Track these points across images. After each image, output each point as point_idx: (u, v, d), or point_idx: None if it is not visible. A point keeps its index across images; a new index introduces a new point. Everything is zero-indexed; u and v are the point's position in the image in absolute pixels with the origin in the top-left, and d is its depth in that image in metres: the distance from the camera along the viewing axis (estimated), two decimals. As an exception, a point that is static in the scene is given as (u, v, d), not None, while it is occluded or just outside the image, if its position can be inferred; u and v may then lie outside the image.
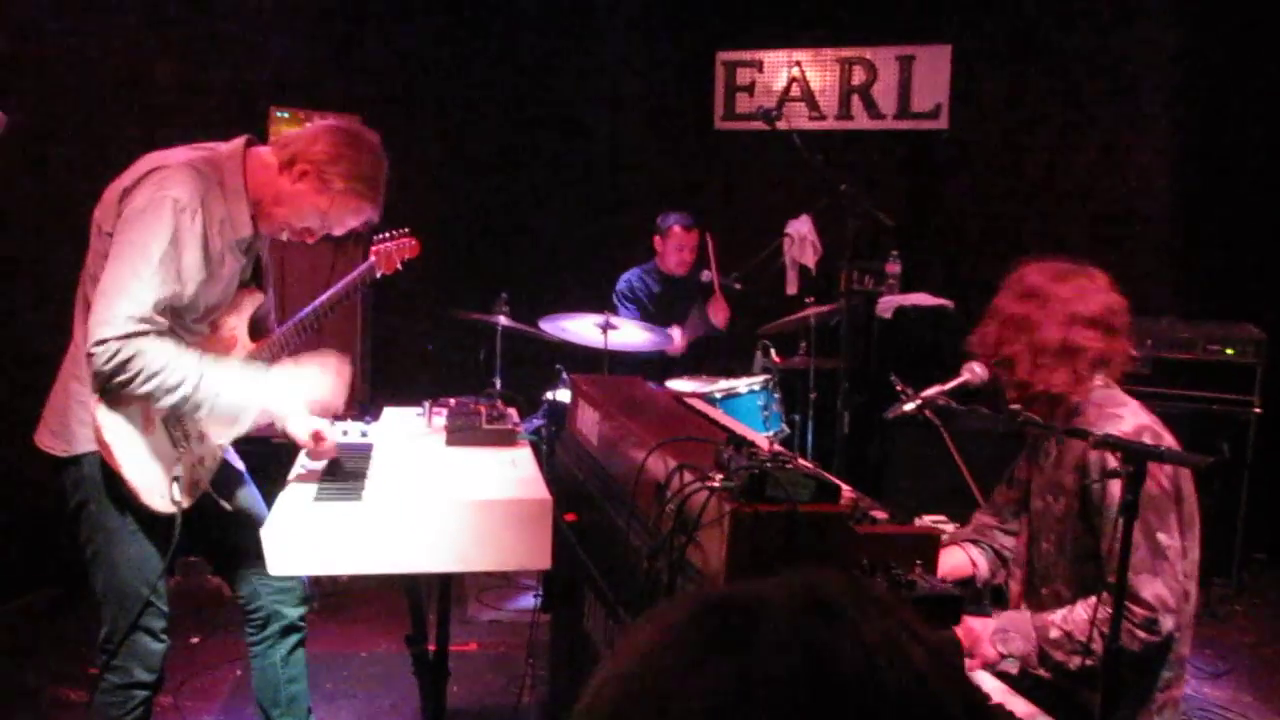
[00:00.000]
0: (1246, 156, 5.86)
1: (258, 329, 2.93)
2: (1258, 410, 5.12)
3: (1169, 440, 2.33)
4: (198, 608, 4.51)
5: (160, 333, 2.44)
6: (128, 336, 2.38)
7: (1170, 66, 6.12)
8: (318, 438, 2.78)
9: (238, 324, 2.82)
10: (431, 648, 2.93)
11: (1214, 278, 5.85)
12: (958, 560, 2.72)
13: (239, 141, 2.72)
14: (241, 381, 2.59)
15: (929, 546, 1.88)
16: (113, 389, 2.45)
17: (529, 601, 4.81)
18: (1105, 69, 6.25)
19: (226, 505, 2.78)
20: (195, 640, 4.39)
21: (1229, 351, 5.25)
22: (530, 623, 3.92)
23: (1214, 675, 4.31)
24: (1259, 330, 5.19)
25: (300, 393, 2.63)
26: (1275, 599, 5.23)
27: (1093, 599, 2.36)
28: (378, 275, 3.09)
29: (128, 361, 2.38)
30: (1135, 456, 1.88)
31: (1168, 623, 2.28)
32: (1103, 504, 2.32)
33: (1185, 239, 6.07)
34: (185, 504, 2.65)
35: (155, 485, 2.59)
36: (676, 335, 5.63)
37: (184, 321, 2.56)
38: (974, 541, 2.77)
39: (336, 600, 4.72)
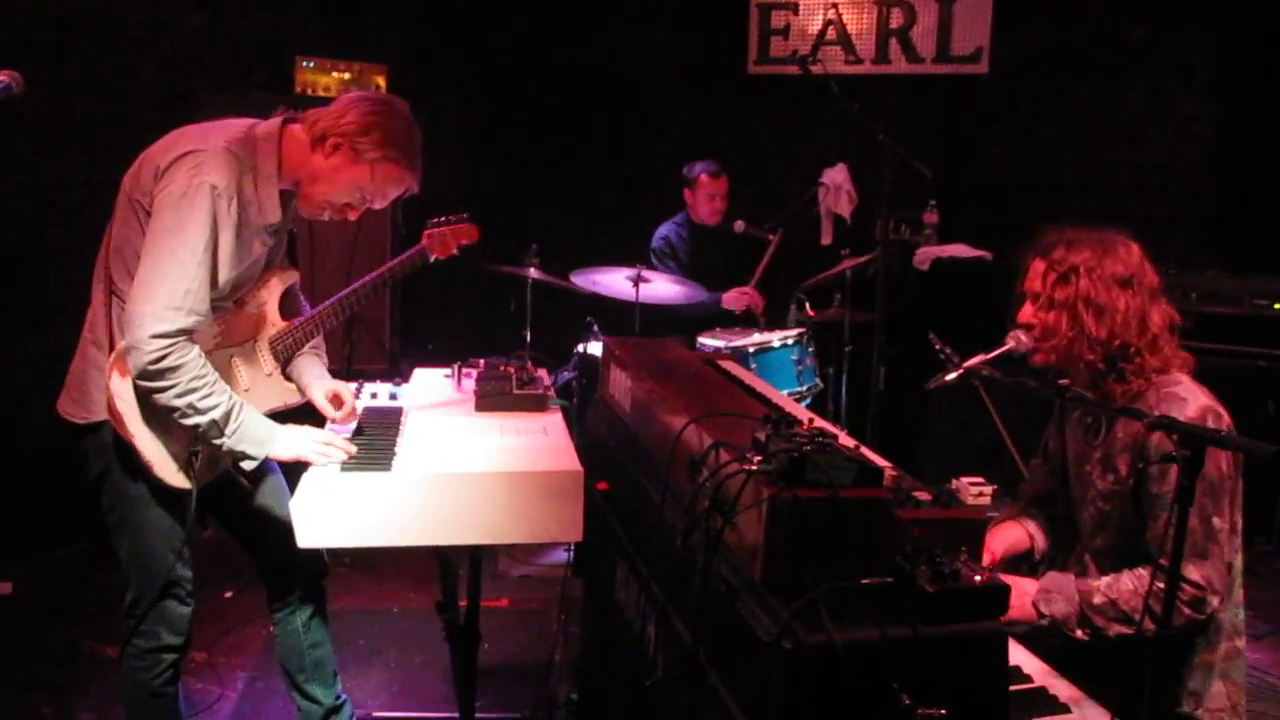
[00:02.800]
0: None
1: (290, 306, 2.87)
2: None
3: (1228, 422, 2.26)
4: (231, 561, 4.51)
5: (203, 347, 2.44)
6: (177, 336, 2.36)
7: (1216, 9, 5.92)
8: (337, 400, 2.77)
9: (268, 299, 2.77)
10: (463, 604, 2.91)
11: (1260, 229, 5.69)
12: (1015, 536, 2.69)
13: (275, 122, 2.63)
14: (262, 427, 2.54)
15: (975, 530, 1.81)
16: (142, 389, 2.42)
17: (561, 556, 4.81)
18: (1150, 12, 6.05)
19: (247, 484, 2.75)
20: (229, 594, 4.42)
21: (1276, 305, 5.11)
22: (562, 578, 3.91)
23: (1255, 638, 4.23)
24: (1308, 284, 5.05)
25: (310, 452, 2.52)
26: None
27: (1140, 570, 2.32)
28: (430, 259, 2.95)
29: (171, 370, 2.36)
30: (1194, 441, 1.80)
31: (1214, 601, 2.27)
32: (1159, 488, 2.27)
33: (1231, 189, 5.90)
34: (203, 480, 2.63)
35: (170, 459, 2.56)
36: (734, 296, 5.55)
37: (212, 297, 2.51)
38: (1029, 516, 2.73)
39: (369, 556, 4.71)
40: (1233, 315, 5.09)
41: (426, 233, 2.96)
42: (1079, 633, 2.32)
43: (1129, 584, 2.31)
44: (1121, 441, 2.40)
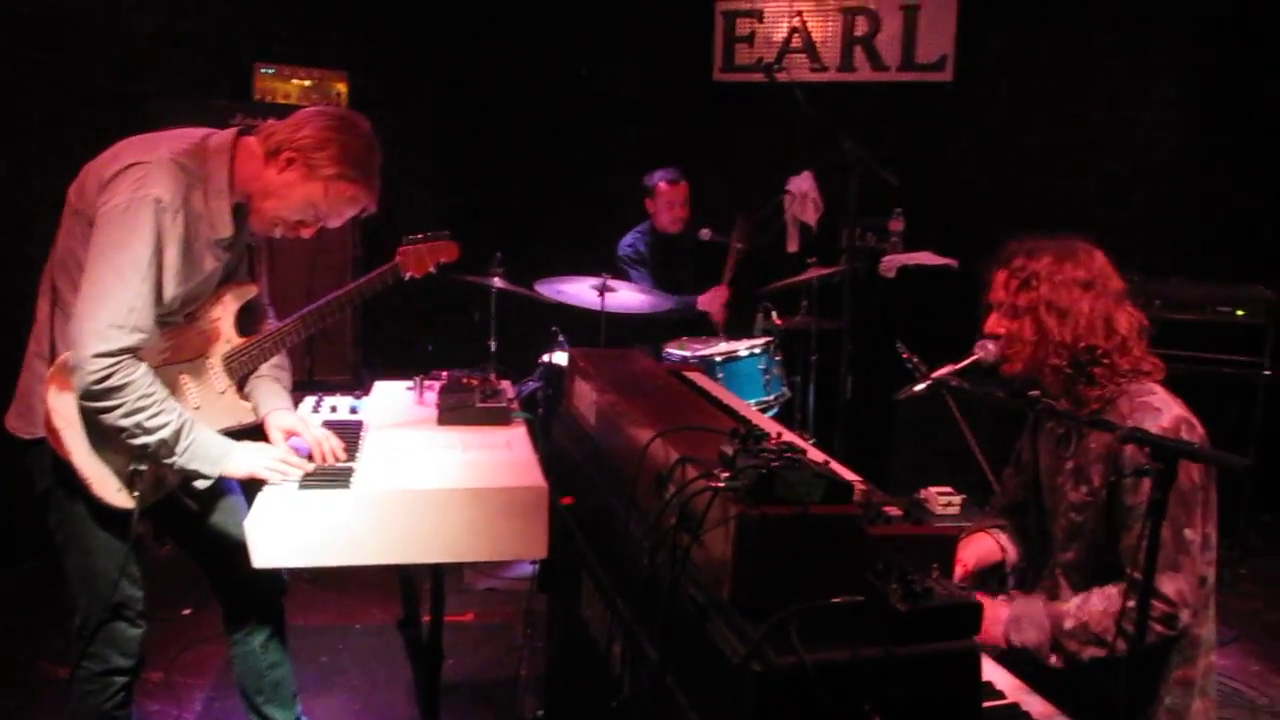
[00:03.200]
0: (1258, 112, 5.72)
1: (250, 320, 2.79)
2: (1268, 372, 5.03)
3: (1201, 432, 2.25)
4: (190, 578, 4.40)
5: (150, 363, 2.37)
6: (121, 355, 2.28)
7: (1180, 19, 5.96)
8: (289, 434, 2.67)
9: (222, 316, 2.68)
10: (427, 619, 2.84)
11: (1224, 237, 5.73)
12: (987, 548, 2.67)
13: (229, 133, 2.55)
14: (215, 444, 2.46)
15: (946, 548, 1.78)
16: (89, 409, 2.35)
17: (526, 569, 4.74)
18: (1114, 21, 6.09)
19: (193, 505, 2.67)
20: (187, 612, 4.33)
21: (1239, 312, 5.14)
22: (527, 592, 3.85)
23: (1220, 644, 4.24)
24: (1270, 291, 5.08)
25: (265, 469, 2.45)
26: (1282, 563, 5.17)
27: (1109, 589, 2.30)
28: (405, 277, 2.84)
29: (117, 389, 2.29)
30: (1167, 454, 1.78)
31: (1185, 616, 2.24)
32: (1132, 499, 2.25)
33: (1194, 197, 5.94)
34: (148, 500, 2.54)
35: (110, 478, 2.48)
36: (711, 296, 5.52)
37: (158, 313, 2.42)
38: (1000, 527, 2.71)
39: (332, 572, 4.59)
40: (1196, 322, 5.11)
41: (401, 249, 2.84)
42: (1053, 659, 2.30)
43: (1098, 604, 2.29)
44: (1094, 452, 2.38)
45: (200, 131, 2.55)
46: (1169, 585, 2.20)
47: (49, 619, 4.12)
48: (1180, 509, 2.21)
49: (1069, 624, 2.29)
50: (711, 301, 5.52)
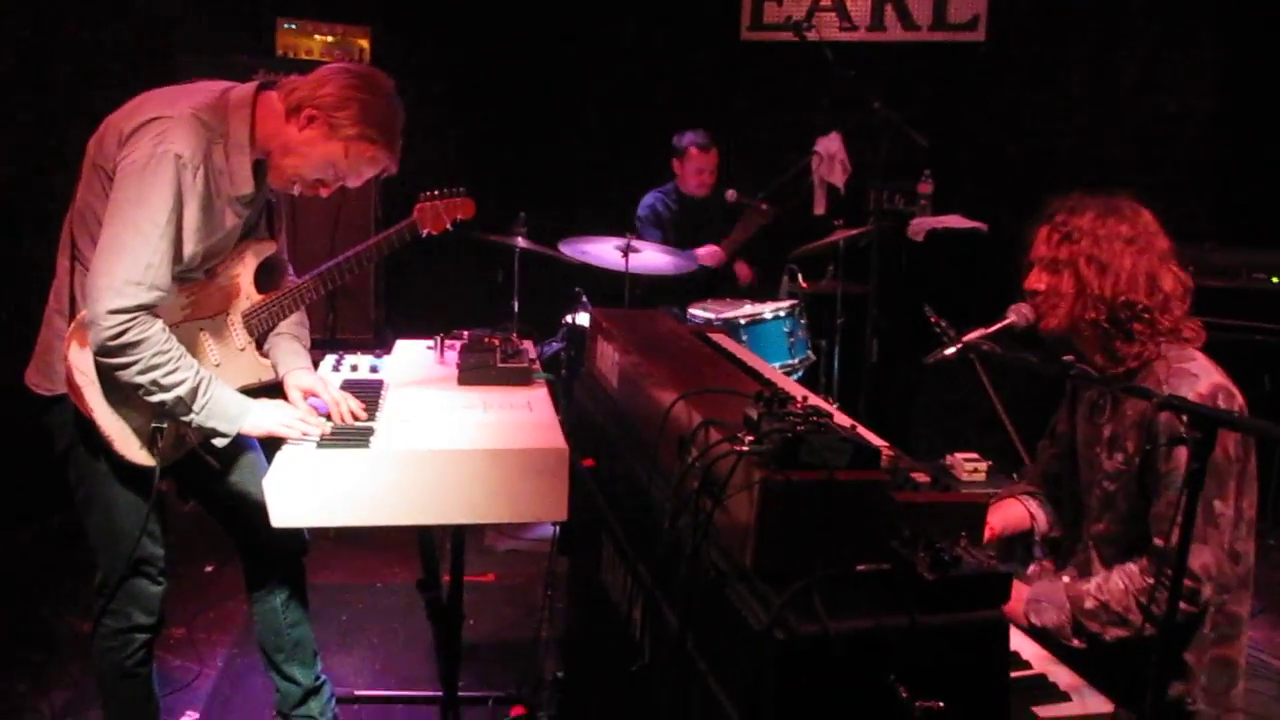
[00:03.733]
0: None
1: (269, 277, 2.76)
2: (1303, 341, 4.93)
3: (1241, 401, 2.19)
4: (213, 534, 4.41)
5: (170, 320, 2.36)
6: (137, 311, 2.26)
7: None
8: (308, 394, 2.65)
9: (241, 272, 2.65)
10: (446, 579, 2.84)
11: (1259, 202, 5.60)
12: (1016, 514, 2.63)
13: (250, 87, 2.50)
14: (233, 402, 2.44)
15: (975, 515, 1.74)
16: (104, 366, 2.33)
17: (548, 530, 4.72)
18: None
19: (214, 463, 2.64)
20: (210, 568, 4.34)
21: (1274, 279, 5.04)
22: (549, 554, 3.84)
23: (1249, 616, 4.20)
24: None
25: (284, 426, 2.43)
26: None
27: (1130, 566, 2.26)
28: (422, 234, 2.80)
29: (132, 345, 2.27)
30: (1205, 422, 1.72)
31: (1208, 591, 2.19)
32: (1165, 466, 2.19)
33: (1229, 161, 5.82)
34: (169, 458, 2.53)
35: (131, 435, 2.47)
36: (709, 251, 5.47)
37: (177, 270, 2.40)
38: (1031, 494, 2.66)
39: (353, 530, 4.61)
40: (1230, 289, 5.02)
41: (418, 205, 2.81)
42: (1075, 641, 2.26)
43: (1119, 583, 2.25)
44: (1130, 419, 2.32)
45: (221, 85, 2.51)
46: (1194, 559, 2.13)
47: (74, 574, 4.14)
48: (1212, 480, 2.14)
49: (1090, 604, 2.25)
50: (711, 256, 5.46)
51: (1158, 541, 2.21)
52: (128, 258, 2.25)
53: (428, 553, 2.79)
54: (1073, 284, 2.34)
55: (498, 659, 3.74)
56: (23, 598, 4.02)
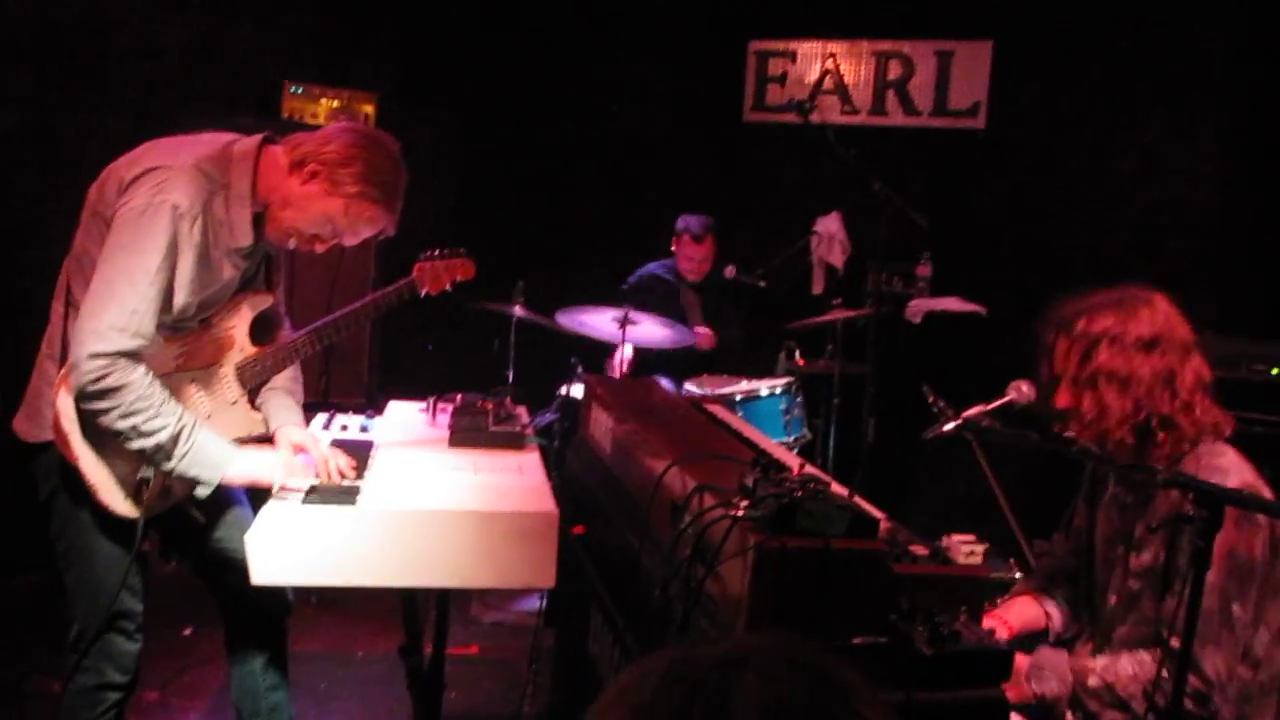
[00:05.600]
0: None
1: (265, 330, 2.73)
2: (1303, 434, 4.90)
3: (1271, 498, 2.12)
4: (192, 597, 4.32)
5: (162, 369, 2.33)
6: (117, 357, 2.23)
7: (1219, 70, 5.89)
8: (298, 450, 2.60)
9: (237, 324, 2.63)
10: (428, 648, 2.76)
11: (1259, 293, 5.61)
12: (1031, 614, 2.53)
13: (254, 140, 2.51)
14: (216, 450, 2.40)
15: (974, 590, 1.69)
16: (85, 411, 2.30)
17: (534, 604, 4.64)
18: (1151, 72, 6.02)
19: (199, 516, 2.60)
20: (187, 632, 4.24)
21: (1274, 371, 5.02)
22: (535, 627, 3.76)
23: None
24: (1307, 349, 4.96)
25: (268, 474, 2.40)
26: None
27: (1142, 654, 2.18)
28: (420, 293, 2.79)
29: (112, 390, 2.24)
30: (1210, 500, 1.68)
31: (1218, 698, 2.09)
32: (1182, 559, 2.12)
33: (1230, 251, 5.83)
34: (151, 511, 2.47)
35: (116, 485, 2.42)
36: (704, 333, 5.45)
37: (169, 320, 2.38)
38: (1047, 593, 2.57)
39: (336, 596, 4.54)
40: (1229, 379, 4.98)
41: (418, 265, 2.80)
42: (1069, 715, 2.19)
43: (1128, 668, 2.17)
44: (1160, 515, 2.23)
45: (225, 137, 2.51)
46: (1208, 661, 2.05)
47: (48, 633, 4.04)
48: (1232, 581, 2.06)
49: (1093, 682, 2.18)
50: (704, 339, 5.43)
51: (1174, 642, 2.13)
52: (114, 303, 2.23)
53: (410, 618, 2.73)
54: (1094, 405, 2.26)
55: (478, 734, 3.64)
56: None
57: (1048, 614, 2.53)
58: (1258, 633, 2.15)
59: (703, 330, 5.48)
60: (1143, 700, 2.09)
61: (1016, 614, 2.52)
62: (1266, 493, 2.16)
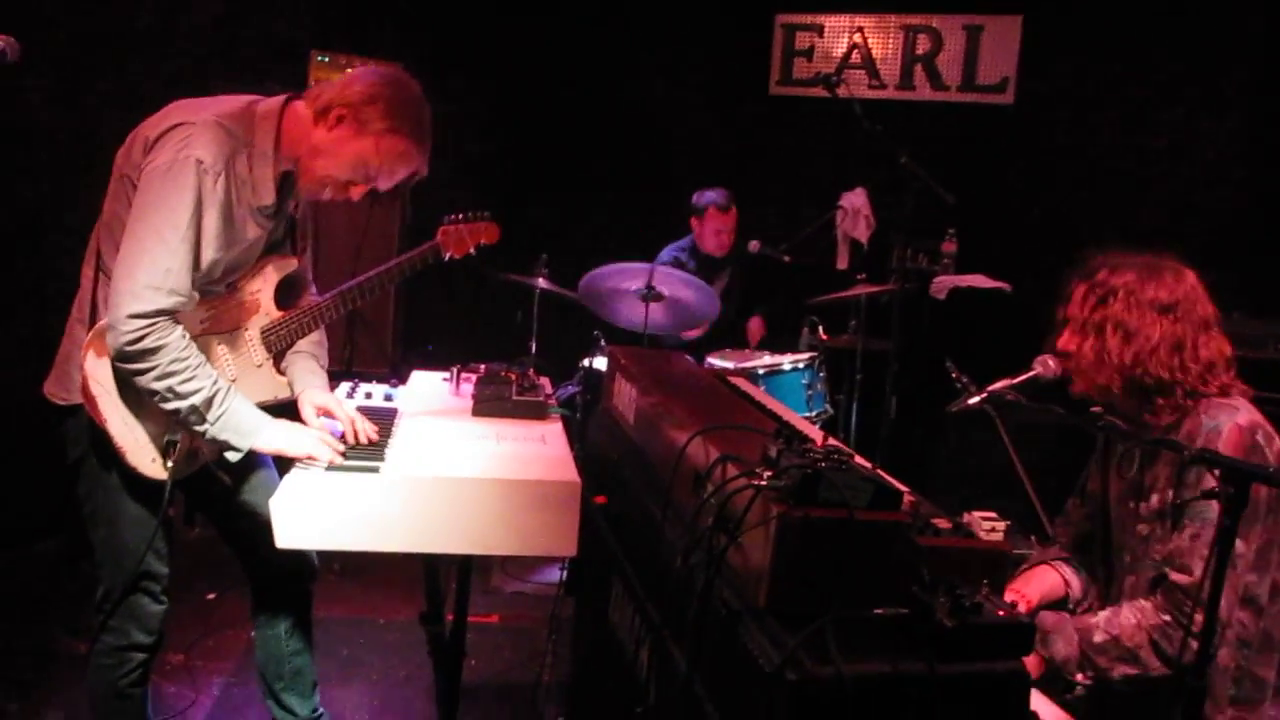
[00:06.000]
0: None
1: (290, 294, 2.74)
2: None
3: (1277, 450, 2.12)
4: (217, 561, 4.39)
5: (186, 327, 2.32)
6: (156, 316, 2.24)
7: (1253, 49, 5.81)
8: (326, 416, 2.61)
9: (262, 288, 2.63)
10: (449, 617, 2.78)
11: (1288, 273, 5.56)
12: (1051, 582, 2.53)
13: (278, 99, 2.50)
14: (248, 417, 2.41)
15: (997, 563, 1.69)
16: (121, 371, 2.31)
17: (555, 574, 4.67)
18: (1183, 50, 5.94)
19: (226, 479, 2.62)
20: (211, 596, 4.29)
21: (1300, 351, 4.98)
22: (555, 596, 3.78)
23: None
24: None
25: (300, 448, 2.40)
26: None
27: (1142, 602, 2.19)
28: (445, 257, 2.78)
29: (150, 351, 2.25)
30: (1237, 476, 1.67)
31: (1226, 635, 2.12)
32: (1186, 497, 2.14)
33: (1259, 231, 5.77)
34: (179, 473, 2.49)
35: (144, 447, 2.43)
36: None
37: (197, 280, 2.38)
38: (1065, 560, 2.57)
39: (359, 564, 4.58)
40: (1256, 359, 4.95)
41: (442, 229, 2.79)
42: (1080, 676, 2.19)
43: (1131, 618, 2.18)
44: (1166, 458, 2.26)
45: (249, 97, 2.51)
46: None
47: (75, 595, 4.10)
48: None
49: (1099, 637, 2.18)
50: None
51: (1175, 577, 2.14)
52: (147, 262, 2.24)
53: (432, 586, 2.74)
54: (1094, 349, 2.30)
55: (498, 701, 3.68)
56: (19, 617, 3.97)
57: (1066, 581, 2.53)
58: (1261, 579, 2.15)
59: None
60: (1150, 649, 2.10)
61: (1035, 586, 2.52)
62: (1275, 434, 2.18)
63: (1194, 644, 2.00)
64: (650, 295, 4.65)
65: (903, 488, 1.81)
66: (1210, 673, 2.14)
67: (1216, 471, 1.73)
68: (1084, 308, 2.33)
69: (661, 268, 4.76)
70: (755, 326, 5.76)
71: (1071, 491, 2.64)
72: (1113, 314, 2.27)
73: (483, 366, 3.04)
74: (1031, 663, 2.18)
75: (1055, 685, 2.23)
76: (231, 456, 2.47)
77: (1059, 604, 2.50)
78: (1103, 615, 2.22)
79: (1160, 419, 2.26)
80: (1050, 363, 2.37)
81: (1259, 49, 5.79)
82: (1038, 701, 2.11)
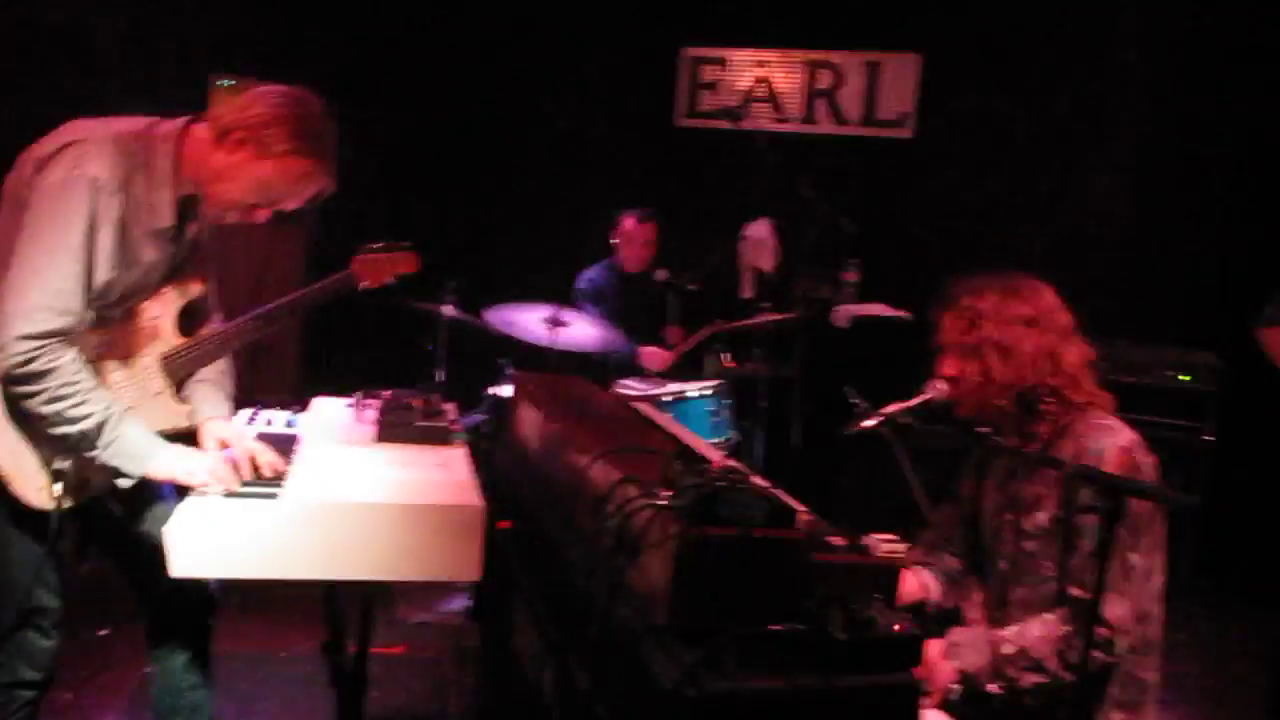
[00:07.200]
0: (1211, 182, 5.82)
1: (193, 321, 2.66)
2: (1208, 438, 5.07)
3: (1154, 460, 2.24)
4: (109, 596, 4.23)
5: (81, 351, 2.26)
6: (47, 338, 2.19)
7: (1137, 87, 6.07)
8: (221, 445, 2.54)
9: (162, 314, 2.56)
10: (353, 649, 2.74)
11: (1174, 303, 5.80)
12: (908, 586, 2.60)
13: (179, 122, 2.45)
14: (141, 442, 2.35)
15: (889, 577, 1.74)
16: (10, 394, 2.25)
17: (461, 603, 4.64)
18: (1072, 87, 6.19)
19: (116, 509, 2.55)
20: (104, 632, 4.16)
21: (1183, 378, 5.19)
22: (460, 626, 3.75)
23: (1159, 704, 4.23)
24: (1220, 359, 5.14)
25: (193, 473, 2.34)
26: (1220, 629, 5.17)
27: (1047, 615, 2.27)
28: (359, 287, 2.73)
29: (41, 374, 2.19)
30: (1114, 491, 1.75)
31: (1123, 643, 2.21)
32: (1081, 521, 2.23)
33: (1144, 262, 6.02)
34: (66, 503, 2.41)
35: (31, 475, 2.36)
36: (654, 354, 5.45)
37: (91, 300, 2.31)
38: (924, 564, 2.66)
39: (257, 597, 4.48)
40: (1143, 385, 5.15)
41: (357, 258, 2.74)
42: (991, 686, 2.25)
43: (1037, 630, 2.26)
44: (1053, 476, 2.34)
45: (148, 119, 2.46)
46: (1110, 609, 2.16)
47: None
48: (1127, 533, 2.17)
49: (1007, 649, 2.26)
50: (652, 359, 5.45)
51: (1073, 591, 2.23)
52: (38, 282, 2.18)
53: (334, 614, 2.70)
54: (979, 372, 2.40)
55: (402, 733, 3.62)
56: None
57: (925, 586, 2.60)
58: (1144, 587, 2.25)
59: (655, 352, 5.47)
60: (1054, 658, 2.19)
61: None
62: (1149, 455, 2.28)
63: (1095, 654, 2.11)
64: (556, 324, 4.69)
65: (799, 506, 1.85)
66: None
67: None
68: (955, 333, 2.44)
69: (564, 314, 4.82)
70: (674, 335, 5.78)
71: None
72: (987, 336, 2.38)
73: (387, 393, 3.02)
74: (947, 674, 2.25)
75: (966, 707, 2.29)
76: (123, 483, 2.40)
77: (917, 607, 2.57)
78: (1013, 628, 2.30)
79: (1040, 429, 2.36)
80: (941, 385, 2.46)
81: (1144, 89, 6.06)
82: (934, 717, 2.17)
